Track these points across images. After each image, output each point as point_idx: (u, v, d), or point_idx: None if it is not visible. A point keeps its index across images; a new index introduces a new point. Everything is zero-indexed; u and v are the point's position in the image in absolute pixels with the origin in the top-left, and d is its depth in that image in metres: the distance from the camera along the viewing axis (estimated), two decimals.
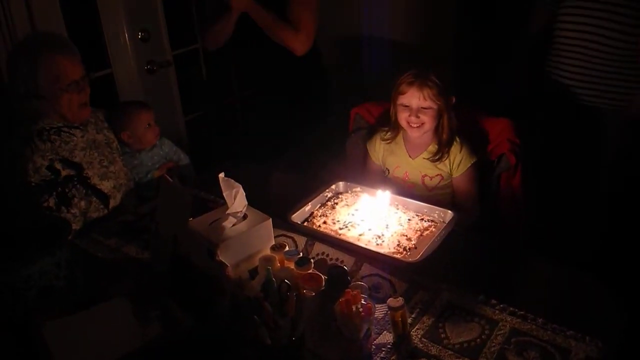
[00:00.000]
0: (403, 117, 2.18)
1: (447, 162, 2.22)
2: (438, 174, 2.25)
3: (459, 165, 2.22)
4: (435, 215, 1.92)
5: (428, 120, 2.15)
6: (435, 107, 2.14)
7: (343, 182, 2.14)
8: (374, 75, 3.40)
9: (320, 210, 1.99)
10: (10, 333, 1.49)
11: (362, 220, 1.90)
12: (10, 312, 1.49)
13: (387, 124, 2.31)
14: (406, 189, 2.27)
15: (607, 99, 2.56)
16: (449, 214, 1.89)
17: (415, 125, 2.17)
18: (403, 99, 2.16)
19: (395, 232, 1.83)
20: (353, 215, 1.94)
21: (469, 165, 2.22)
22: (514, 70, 3.08)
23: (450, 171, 2.24)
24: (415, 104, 2.14)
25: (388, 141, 2.32)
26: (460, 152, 2.21)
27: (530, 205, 2.32)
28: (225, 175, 1.69)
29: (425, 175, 2.26)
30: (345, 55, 3.63)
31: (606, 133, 2.63)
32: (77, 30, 2.69)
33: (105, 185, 2.20)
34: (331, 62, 3.64)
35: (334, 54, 3.64)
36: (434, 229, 1.84)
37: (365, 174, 2.42)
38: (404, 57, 3.32)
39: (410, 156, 2.28)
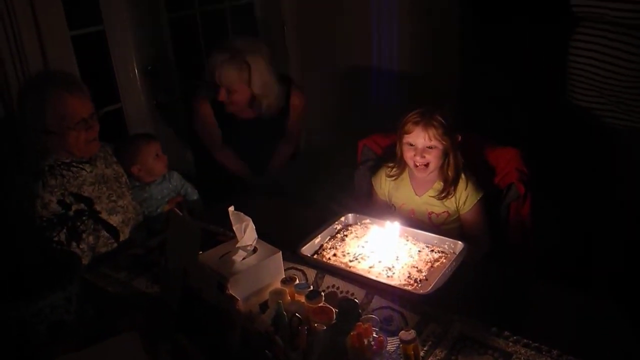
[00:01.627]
0: (409, 156, 2.20)
1: (453, 199, 2.23)
2: (444, 211, 2.26)
3: (465, 202, 2.22)
4: (446, 246, 1.91)
5: (433, 160, 2.16)
6: (441, 147, 2.15)
7: (352, 214, 2.14)
8: (382, 107, 3.42)
9: (330, 243, 1.99)
10: None
11: (372, 252, 1.89)
12: (20, 347, 1.48)
13: (393, 159, 2.32)
14: (413, 225, 2.24)
15: (625, 120, 2.54)
16: (460, 244, 1.88)
17: (420, 165, 2.17)
18: (409, 138, 2.17)
19: (406, 264, 1.82)
20: (363, 247, 1.94)
21: (476, 201, 2.22)
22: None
23: (457, 208, 2.24)
24: (421, 143, 2.15)
25: (394, 178, 2.32)
26: (466, 189, 2.21)
27: (541, 233, 2.30)
28: (235, 209, 1.69)
29: (432, 212, 2.26)
30: (353, 86, 3.67)
31: (623, 153, 2.61)
32: (88, 66, 2.73)
33: (114, 220, 2.20)
34: (341, 93, 3.70)
35: (343, 85, 3.69)
36: (444, 260, 1.83)
37: (372, 206, 2.42)
38: (411, 88, 3.35)
39: (416, 194, 2.29)
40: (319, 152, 3.59)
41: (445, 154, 2.18)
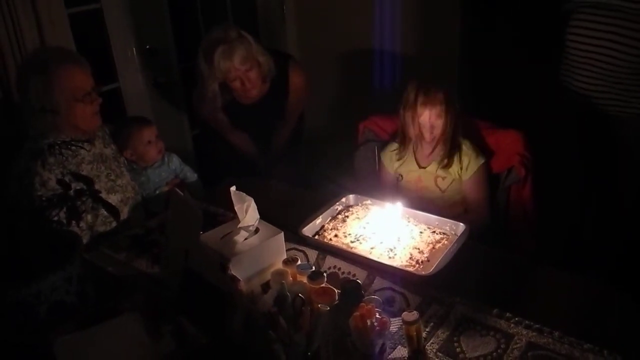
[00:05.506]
0: (414, 132, 2.24)
1: (456, 166, 2.27)
2: (449, 175, 2.31)
3: (467, 167, 2.26)
4: (447, 227, 1.90)
5: (440, 126, 2.22)
6: (445, 115, 2.20)
7: (353, 195, 2.13)
8: (382, 89, 3.40)
9: (331, 224, 1.98)
10: (20, 350, 1.48)
11: (374, 233, 1.89)
12: (21, 328, 1.47)
13: (397, 139, 2.37)
14: (420, 191, 2.33)
15: (624, 107, 2.53)
16: (461, 226, 1.87)
17: (428, 140, 2.24)
18: (416, 117, 2.21)
19: (407, 245, 1.81)
20: (364, 228, 1.93)
21: (478, 166, 2.27)
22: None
23: (460, 174, 2.28)
24: (427, 121, 2.20)
25: (398, 157, 2.37)
26: (468, 154, 2.27)
27: (542, 216, 2.30)
28: (235, 189, 1.68)
29: (438, 176, 2.31)
30: (353, 68, 3.64)
31: (623, 142, 2.60)
32: (85, 45, 2.69)
33: (112, 199, 2.19)
34: (340, 76, 3.68)
35: (342, 68, 3.66)
36: (446, 242, 1.83)
37: (379, 184, 2.46)
38: (410, 71, 3.33)
39: (421, 167, 2.34)
40: (319, 134, 3.57)
41: (448, 125, 2.23)
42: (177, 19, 3.20)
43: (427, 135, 2.23)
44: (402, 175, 2.39)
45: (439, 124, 2.21)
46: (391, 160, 2.41)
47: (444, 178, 2.30)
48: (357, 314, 1.38)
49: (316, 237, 1.91)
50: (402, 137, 2.32)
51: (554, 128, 2.75)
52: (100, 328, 1.51)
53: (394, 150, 2.39)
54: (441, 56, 3.29)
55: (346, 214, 2.04)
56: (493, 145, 2.34)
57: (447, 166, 2.28)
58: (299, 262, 1.67)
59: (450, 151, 2.27)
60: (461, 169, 2.27)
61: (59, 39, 2.46)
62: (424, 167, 2.33)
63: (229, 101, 2.87)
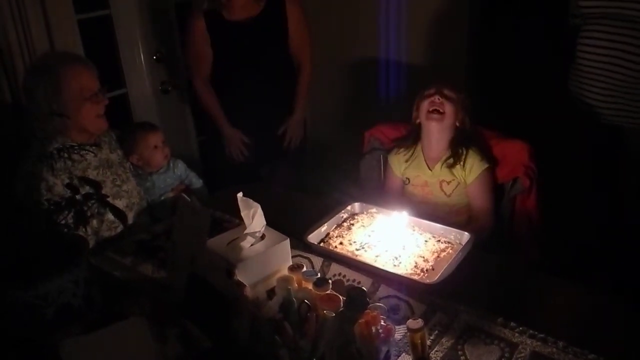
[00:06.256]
0: (425, 108, 2.27)
1: (460, 168, 2.29)
2: (454, 179, 2.32)
3: (471, 169, 2.27)
4: (452, 236, 1.91)
5: (448, 111, 2.25)
6: (455, 98, 2.25)
7: (359, 203, 2.14)
8: (387, 99, 3.41)
9: (336, 231, 1.99)
10: (26, 352, 1.48)
11: (379, 241, 1.89)
12: (28, 330, 1.48)
13: (405, 141, 2.41)
14: (425, 196, 2.35)
15: (633, 118, 2.53)
16: (466, 235, 1.88)
17: (437, 110, 2.25)
18: (427, 92, 2.29)
19: (412, 254, 1.82)
20: (369, 236, 1.94)
21: (482, 170, 2.28)
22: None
23: (464, 177, 2.29)
24: (438, 90, 2.26)
25: (407, 159, 2.39)
26: (473, 157, 2.29)
27: (547, 226, 2.31)
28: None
29: (443, 180, 2.32)
30: (358, 77, 3.65)
31: (632, 152, 2.60)
32: (93, 50, 2.71)
33: (118, 204, 2.18)
34: (346, 85, 3.70)
35: (348, 77, 3.68)
36: (450, 251, 1.83)
37: (385, 190, 2.47)
38: (416, 81, 3.34)
39: (429, 168, 2.36)
40: (324, 142, 3.58)
41: (457, 112, 2.27)
42: (185, 27, 3.21)
43: (436, 101, 2.24)
44: (408, 179, 2.40)
45: (449, 100, 2.24)
46: (399, 163, 2.42)
47: (449, 182, 2.32)
48: (362, 321, 1.39)
49: (321, 244, 1.91)
50: (412, 131, 2.38)
51: (561, 137, 2.76)
52: (106, 331, 1.51)
53: (402, 151, 2.42)
54: (448, 65, 3.29)
55: (351, 221, 2.05)
56: (499, 155, 2.35)
57: (452, 166, 2.29)
58: (305, 269, 1.68)
59: (455, 149, 2.30)
60: (465, 171, 2.28)
61: (68, 44, 2.48)
62: (431, 169, 2.35)
63: (216, 14, 2.79)
